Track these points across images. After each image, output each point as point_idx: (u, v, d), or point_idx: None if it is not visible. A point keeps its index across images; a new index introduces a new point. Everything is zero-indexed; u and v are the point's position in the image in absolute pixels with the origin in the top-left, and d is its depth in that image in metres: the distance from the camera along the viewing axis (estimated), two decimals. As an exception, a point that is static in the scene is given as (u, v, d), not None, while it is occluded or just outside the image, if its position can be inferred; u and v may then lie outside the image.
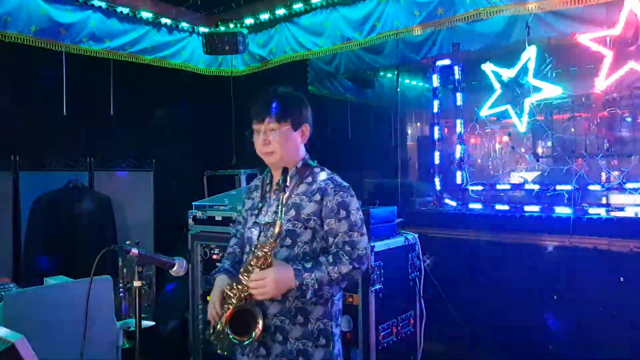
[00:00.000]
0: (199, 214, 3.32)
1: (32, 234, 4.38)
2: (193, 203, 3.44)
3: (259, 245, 1.82)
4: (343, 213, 1.88)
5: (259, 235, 1.96)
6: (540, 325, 3.74)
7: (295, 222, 1.89)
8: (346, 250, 1.85)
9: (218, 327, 1.85)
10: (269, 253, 1.78)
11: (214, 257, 3.23)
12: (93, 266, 1.78)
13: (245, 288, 1.80)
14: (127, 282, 3.64)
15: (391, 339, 3.07)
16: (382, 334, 2.98)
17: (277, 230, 1.76)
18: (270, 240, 1.79)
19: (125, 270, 3.81)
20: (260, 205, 2.03)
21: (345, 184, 1.96)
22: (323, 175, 1.96)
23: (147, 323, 2.70)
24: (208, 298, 3.23)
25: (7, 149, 4.36)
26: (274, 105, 1.92)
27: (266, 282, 1.77)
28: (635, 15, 3.67)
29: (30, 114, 4.59)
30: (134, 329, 1.84)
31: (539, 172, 5.16)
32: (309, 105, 2.05)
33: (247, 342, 1.83)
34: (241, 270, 1.86)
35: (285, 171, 1.87)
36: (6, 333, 1.50)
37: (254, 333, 1.80)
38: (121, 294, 3.33)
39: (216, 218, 3.22)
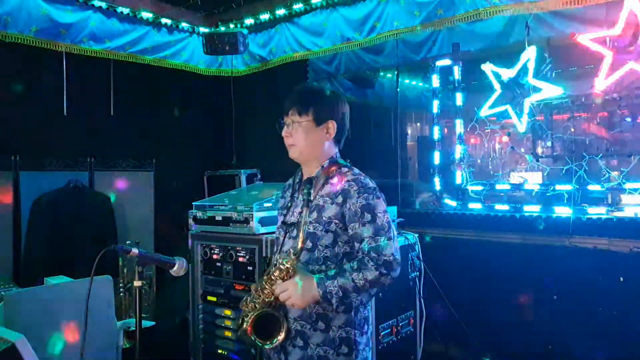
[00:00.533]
0: (199, 214, 3.32)
1: (32, 234, 4.37)
2: (193, 203, 3.43)
3: (281, 260, 1.77)
4: (368, 217, 1.78)
5: (284, 236, 1.94)
6: (539, 325, 3.74)
7: (316, 224, 1.83)
8: (372, 256, 1.76)
9: (244, 325, 1.82)
10: (291, 268, 1.74)
11: (214, 257, 3.23)
12: (93, 266, 1.78)
13: (270, 294, 1.77)
14: (127, 282, 3.65)
15: (391, 338, 3.07)
16: (382, 334, 2.98)
17: (299, 245, 1.72)
18: (292, 256, 1.74)
19: (125, 270, 3.83)
20: (289, 204, 1.99)
21: (371, 184, 1.84)
22: (349, 176, 1.84)
23: (147, 323, 2.71)
24: (209, 298, 3.26)
25: (7, 149, 4.36)
26: (296, 97, 1.90)
27: (288, 293, 1.73)
28: (635, 15, 3.67)
29: (30, 114, 4.59)
30: (134, 329, 1.84)
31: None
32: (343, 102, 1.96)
33: (267, 346, 1.82)
34: (264, 277, 1.81)
35: (309, 182, 1.80)
36: (6, 333, 1.51)
37: (275, 339, 1.80)
38: (121, 294, 3.34)
39: (216, 218, 3.22)
